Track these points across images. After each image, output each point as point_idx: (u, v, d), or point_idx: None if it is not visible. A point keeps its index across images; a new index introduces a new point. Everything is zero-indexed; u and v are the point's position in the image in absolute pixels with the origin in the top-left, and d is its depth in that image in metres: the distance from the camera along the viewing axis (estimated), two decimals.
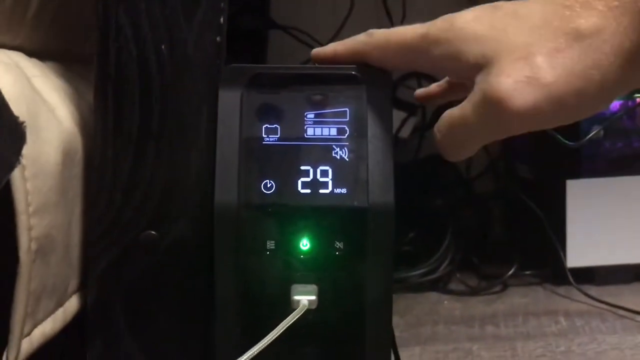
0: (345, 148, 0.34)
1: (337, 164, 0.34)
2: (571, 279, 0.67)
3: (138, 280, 0.37)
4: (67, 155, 0.35)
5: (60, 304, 0.36)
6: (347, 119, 0.34)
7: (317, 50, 0.36)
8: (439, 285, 0.71)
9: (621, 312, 0.61)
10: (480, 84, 0.30)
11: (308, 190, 0.33)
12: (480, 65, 0.30)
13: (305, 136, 0.34)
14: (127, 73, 0.35)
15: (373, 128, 0.34)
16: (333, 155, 0.34)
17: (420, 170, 0.83)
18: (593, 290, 0.67)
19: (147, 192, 0.36)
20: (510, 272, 0.70)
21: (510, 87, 0.28)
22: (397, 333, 0.59)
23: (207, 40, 0.35)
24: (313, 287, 0.33)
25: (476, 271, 0.74)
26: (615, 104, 0.70)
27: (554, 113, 0.29)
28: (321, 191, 0.33)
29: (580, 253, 0.69)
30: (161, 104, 0.36)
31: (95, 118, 0.36)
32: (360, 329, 0.34)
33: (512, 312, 0.63)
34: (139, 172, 0.36)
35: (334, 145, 0.34)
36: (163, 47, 0.35)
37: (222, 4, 0.35)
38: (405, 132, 0.84)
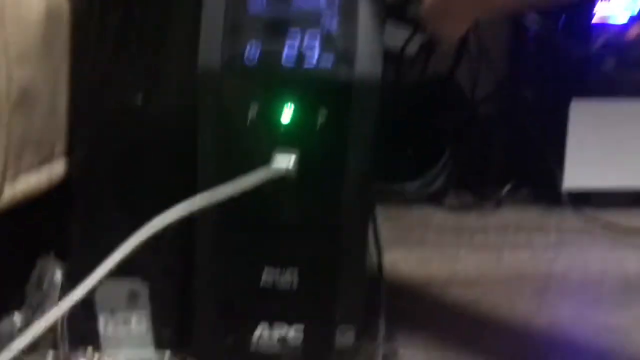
0: (335, 17, 0.33)
1: (324, 33, 0.33)
2: (566, 199, 0.66)
3: (123, 145, 0.37)
4: (51, 13, 0.35)
5: (46, 160, 0.36)
6: None
7: None
8: (434, 200, 0.71)
9: (613, 231, 0.61)
10: None
11: (293, 59, 0.33)
12: None
13: (294, 2, 0.33)
14: None
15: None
16: (321, 23, 0.33)
17: (425, 89, 0.82)
18: (588, 212, 0.66)
19: (134, 56, 0.36)
20: (506, 190, 0.70)
21: None
22: (384, 236, 0.60)
23: None
24: (293, 155, 0.33)
25: (471, 189, 0.74)
26: (629, 25, 0.68)
27: None
28: (307, 60, 0.33)
29: (577, 175, 0.68)
30: None
31: None
32: (338, 204, 0.34)
33: (503, 226, 0.63)
34: (125, 35, 0.36)
35: (323, 13, 0.33)
36: None
37: None
38: (411, 50, 0.83)
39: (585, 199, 0.69)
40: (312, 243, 0.35)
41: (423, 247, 0.57)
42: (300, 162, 0.33)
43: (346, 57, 0.33)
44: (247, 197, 0.32)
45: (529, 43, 0.65)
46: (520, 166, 0.75)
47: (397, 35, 0.84)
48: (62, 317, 0.37)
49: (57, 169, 0.37)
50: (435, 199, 0.71)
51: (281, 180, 0.33)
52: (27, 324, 0.38)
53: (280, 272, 0.34)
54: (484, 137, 0.81)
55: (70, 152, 0.38)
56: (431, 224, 0.64)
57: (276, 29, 0.33)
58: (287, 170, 0.33)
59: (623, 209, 0.68)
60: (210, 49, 0.33)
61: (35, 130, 0.34)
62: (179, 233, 0.37)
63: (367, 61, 0.33)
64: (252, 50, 0.33)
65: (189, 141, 0.35)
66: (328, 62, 0.33)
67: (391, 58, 0.85)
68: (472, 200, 0.71)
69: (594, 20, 0.66)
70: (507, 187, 0.70)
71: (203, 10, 0.34)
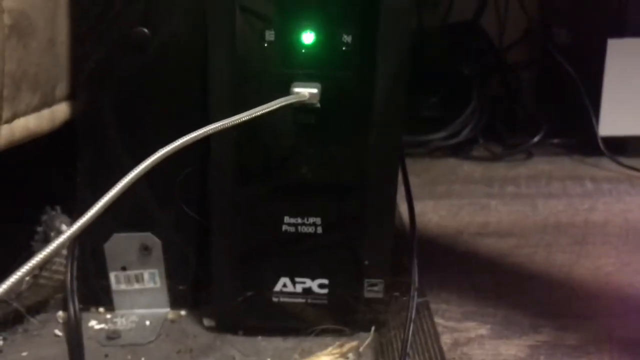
0: None
1: None
2: (602, 147, 0.62)
3: (128, 81, 0.34)
4: None
5: (46, 103, 0.33)
6: None
7: None
8: (460, 151, 0.67)
9: None
10: None
11: None
12: None
13: None
14: None
15: None
16: None
17: (449, 35, 0.78)
18: (623, 160, 0.62)
19: None
20: (536, 140, 0.66)
21: None
22: (412, 189, 0.57)
23: None
24: (317, 85, 0.30)
25: (500, 139, 0.70)
26: None
27: None
28: None
29: (613, 122, 0.64)
30: None
31: None
32: (365, 145, 0.31)
33: (535, 176, 0.60)
34: None
35: None
36: None
37: None
38: None
39: (622, 147, 0.65)
40: (337, 190, 0.31)
41: (451, 198, 0.54)
42: (324, 94, 0.30)
43: None
44: (267, 139, 0.29)
45: None
46: (552, 114, 0.71)
47: None
48: (72, 273, 0.35)
49: (60, 111, 0.34)
50: (462, 150, 0.68)
51: (304, 116, 0.29)
52: (34, 281, 0.35)
53: (302, 221, 0.31)
54: (512, 84, 0.77)
55: (73, 95, 0.35)
56: (459, 175, 0.61)
57: None
58: (311, 95, 0.29)
59: None
60: None
61: (34, 65, 0.31)
62: (192, 184, 0.34)
63: None
64: None
65: (199, 76, 0.32)
66: None
67: (415, 3, 0.80)
68: (502, 150, 0.68)
69: None
70: (538, 137, 0.66)
71: None
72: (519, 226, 0.47)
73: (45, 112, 0.33)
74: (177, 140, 0.24)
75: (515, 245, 0.44)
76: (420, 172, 0.62)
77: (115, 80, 0.34)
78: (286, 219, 0.32)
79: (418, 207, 0.51)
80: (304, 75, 0.30)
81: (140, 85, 0.34)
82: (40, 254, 0.18)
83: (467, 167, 0.64)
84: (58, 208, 0.37)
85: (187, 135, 0.24)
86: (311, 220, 0.32)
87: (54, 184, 0.38)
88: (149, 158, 0.22)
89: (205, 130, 0.24)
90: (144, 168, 0.22)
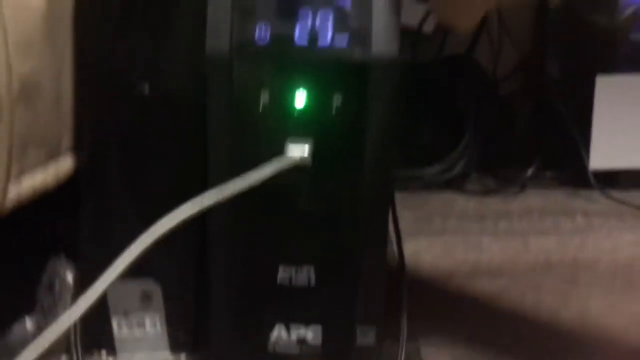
0: None
1: (338, 11, 0.31)
2: (592, 181, 0.64)
3: (131, 135, 0.35)
4: (53, 1, 0.33)
5: (52, 156, 0.34)
6: None
7: None
8: (454, 184, 0.69)
9: None
10: None
11: (305, 40, 0.31)
12: None
13: None
14: None
15: None
16: (334, 1, 0.31)
17: (443, 68, 0.79)
18: (615, 193, 0.64)
19: (138, 41, 0.34)
20: (529, 173, 0.68)
21: None
22: (403, 227, 0.58)
23: None
24: (308, 145, 0.31)
25: (494, 172, 0.71)
26: None
27: None
28: (320, 40, 0.31)
29: (604, 155, 0.65)
30: None
31: None
32: (356, 195, 0.32)
33: (527, 210, 0.61)
34: (129, 16, 0.34)
35: None
36: None
37: None
38: (428, 28, 0.80)
39: (613, 180, 0.66)
40: (329, 237, 0.33)
41: (445, 235, 0.55)
42: (315, 150, 0.31)
43: (361, 36, 0.31)
44: (260, 190, 0.30)
45: (553, 16, 0.62)
46: (544, 147, 0.72)
47: (414, 12, 0.81)
48: (75, 322, 0.36)
49: (64, 164, 0.36)
50: (456, 183, 0.69)
51: (296, 170, 0.31)
52: (39, 328, 0.37)
53: (296, 270, 0.33)
54: (506, 117, 0.79)
55: (77, 146, 0.37)
56: (453, 210, 0.62)
57: (287, 8, 0.31)
58: (302, 159, 0.31)
59: None
60: (218, 31, 0.31)
61: (40, 124, 0.32)
62: (192, 230, 0.35)
63: (383, 40, 0.31)
64: (262, 32, 0.31)
65: (199, 129, 0.34)
66: (342, 42, 0.31)
67: (408, 36, 0.82)
68: (495, 183, 0.69)
69: None
70: (531, 170, 0.68)
71: None
72: (511, 265, 0.48)
73: (51, 166, 0.34)
74: (176, 211, 0.25)
75: (506, 286, 0.45)
76: (415, 207, 0.63)
77: (118, 132, 0.35)
78: (281, 267, 0.33)
79: (412, 246, 0.53)
80: (297, 134, 0.31)
81: (142, 138, 0.35)
82: (46, 336, 0.20)
83: (461, 202, 0.65)
84: (62, 255, 0.38)
85: (183, 209, 0.25)
86: (305, 268, 0.33)
87: (58, 230, 0.39)
88: (146, 233, 0.24)
89: (202, 200, 0.26)
90: (144, 243, 0.23)
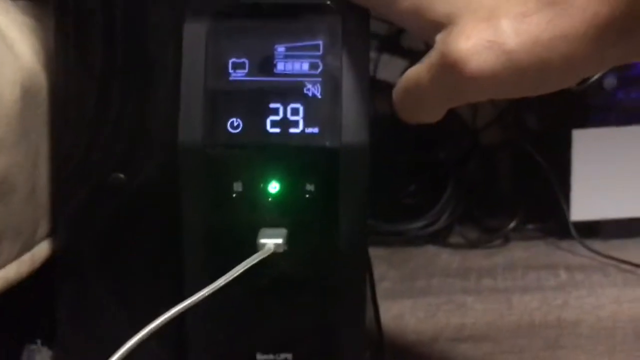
0: (318, 84, 0.32)
1: (308, 102, 0.32)
2: (574, 233, 0.64)
3: (108, 224, 0.36)
4: (27, 93, 0.33)
5: (27, 248, 0.35)
6: (320, 53, 0.32)
7: None
8: (438, 239, 0.69)
9: (624, 266, 0.59)
10: (439, 43, 0.28)
11: (277, 130, 0.32)
12: (443, 24, 0.28)
13: (275, 71, 0.32)
14: (88, 5, 0.33)
15: (348, 63, 0.32)
16: (305, 92, 0.32)
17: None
18: (597, 244, 0.64)
19: (114, 132, 0.35)
20: (512, 225, 0.68)
21: (469, 49, 0.26)
22: (390, 286, 0.59)
23: None
24: (282, 231, 0.31)
25: (478, 224, 0.72)
26: None
27: (513, 82, 0.26)
28: (291, 130, 0.31)
29: (585, 206, 0.66)
30: (125, 38, 0.34)
31: (56, 53, 0.34)
32: (333, 276, 0.33)
33: (511, 266, 0.61)
34: (105, 109, 0.34)
35: (306, 81, 0.32)
36: None
37: None
38: None
39: (595, 231, 0.67)
40: (306, 323, 0.33)
41: (429, 296, 0.55)
42: (289, 236, 0.32)
43: (332, 125, 0.32)
44: (234, 279, 0.30)
45: None
46: (526, 198, 0.73)
47: (394, 68, 0.83)
48: None
49: (40, 252, 0.36)
50: (440, 237, 0.69)
51: (271, 257, 0.31)
52: None
53: (274, 357, 0.33)
54: (487, 169, 0.80)
55: (53, 232, 0.37)
56: (437, 267, 0.62)
57: (258, 98, 0.32)
58: (277, 245, 0.31)
59: (634, 239, 0.67)
60: (190, 123, 0.32)
61: (14, 218, 0.33)
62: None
63: (353, 128, 0.32)
64: (234, 123, 0.32)
65: (175, 216, 0.34)
66: (313, 131, 0.32)
67: (387, 91, 0.84)
68: (479, 236, 0.69)
69: None
70: (514, 222, 0.68)
71: (182, 82, 0.32)
72: (494, 328, 0.48)
73: (26, 257, 0.34)
74: (154, 322, 0.25)
75: (489, 351, 0.45)
76: (400, 263, 0.63)
77: (94, 221, 0.35)
78: (257, 356, 0.33)
79: (396, 308, 0.53)
80: (271, 221, 0.32)
81: (119, 227, 0.35)
82: None
83: (445, 257, 0.65)
84: (38, 341, 0.38)
85: (163, 315, 0.26)
86: (283, 356, 0.33)
87: (34, 316, 0.39)
88: (122, 348, 0.24)
89: (181, 306, 0.26)
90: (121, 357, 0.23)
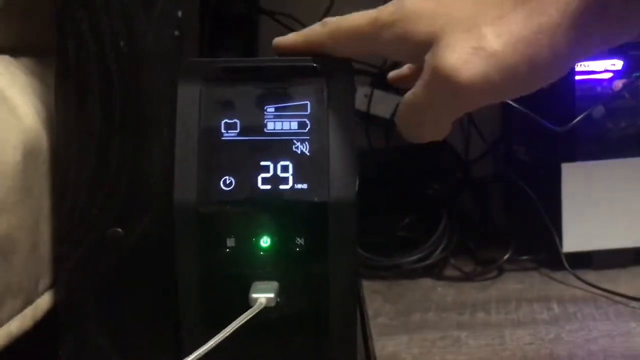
0: (306, 142, 0.33)
1: (297, 159, 0.33)
2: (566, 264, 0.65)
3: (107, 277, 0.37)
4: (29, 154, 0.35)
5: (29, 302, 0.36)
6: (308, 112, 0.34)
7: (277, 41, 0.35)
8: (434, 271, 0.70)
9: (616, 297, 0.60)
10: (428, 61, 0.29)
11: (268, 186, 0.33)
12: (429, 44, 0.29)
13: (265, 130, 0.34)
14: (87, 69, 0.35)
15: (334, 121, 0.34)
16: (294, 149, 0.33)
17: (418, 154, 0.82)
18: (590, 274, 0.65)
19: (112, 189, 0.36)
20: (506, 257, 0.69)
21: (457, 60, 0.28)
22: (387, 321, 0.59)
23: (166, 34, 0.35)
24: (273, 284, 0.33)
25: (472, 256, 0.73)
26: (615, 82, 0.69)
27: (507, 83, 0.28)
28: (281, 187, 0.33)
29: (576, 237, 0.67)
30: (122, 100, 0.35)
31: (57, 114, 0.36)
32: (324, 326, 0.34)
33: (505, 299, 0.62)
34: (103, 168, 0.36)
35: (295, 139, 0.33)
36: (122, 42, 0.35)
37: None
38: None
39: (587, 261, 0.68)
40: None
41: (425, 331, 0.56)
42: (281, 289, 0.33)
43: (320, 181, 0.33)
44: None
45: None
46: (520, 230, 0.74)
47: (385, 105, 0.84)
48: None
49: (42, 304, 0.37)
50: (435, 270, 0.70)
51: (262, 313, 0.32)
52: None
53: None
54: (480, 201, 0.81)
55: (55, 285, 0.38)
56: (432, 301, 0.63)
57: (249, 157, 0.33)
58: (269, 299, 0.32)
59: (626, 269, 0.68)
60: (184, 182, 0.33)
61: (16, 275, 0.34)
62: None
63: (341, 183, 0.33)
64: (226, 181, 0.33)
65: (172, 266, 0.35)
66: (303, 187, 0.33)
67: (381, 126, 0.85)
68: (473, 268, 0.70)
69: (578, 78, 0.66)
70: (508, 254, 0.69)
71: (176, 143, 0.34)
72: None
73: (28, 311, 0.36)
74: None
75: None
76: (395, 298, 0.64)
77: (94, 275, 0.37)
78: None
79: (392, 345, 0.54)
80: (263, 274, 0.33)
81: (118, 280, 0.37)
82: None
83: (440, 290, 0.66)
84: None
85: None
86: None
87: None
88: None
89: None
90: None
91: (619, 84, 0.70)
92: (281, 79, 0.34)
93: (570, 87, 0.66)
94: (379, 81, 0.84)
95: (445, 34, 0.28)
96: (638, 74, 0.69)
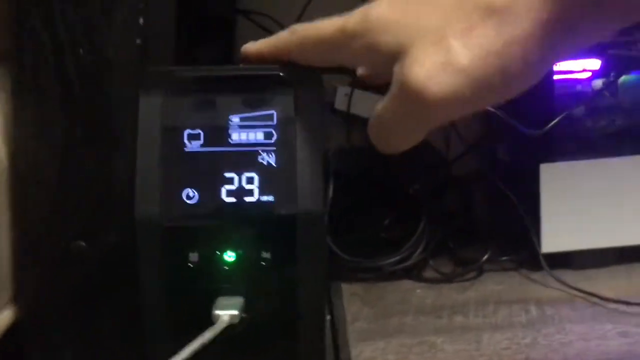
0: (272, 153, 0.33)
1: (263, 171, 0.33)
2: (544, 265, 0.65)
3: (71, 291, 0.36)
4: None
5: None
6: (274, 123, 0.33)
7: (244, 48, 0.34)
8: (413, 273, 0.70)
9: (593, 299, 0.60)
10: (396, 75, 0.28)
11: (233, 199, 0.32)
12: (397, 55, 0.28)
13: (230, 141, 0.33)
14: (46, 79, 0.34)
15: (302, 131, 0.33)
16: (259, 161, 0.33)
17: (399, 153, 0.82)
18: (569, 275, 0.65)
19: (76, 201, 0.35)
20: (486, 258, 0.69)
21: (425, 76, 0.27)
22: (365, 325, 0.59)
23: (127, 43, 0.34)
24: (238, 300, 0.32)
25: (453, 256, 0.73)
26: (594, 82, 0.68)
27: (479, 96, 0.27)
28: (247, 199, 0.32)
29: (555, 238, 0.67)
30: (83, 110, 0.34)
31: (16, 126, 0.35)
32: (292, 341, 0.33)
33: (483, 301, 0.62)
34: (66, 180, 0.35)
35: (260, 150, 0.33)
36: (81, 50, 0.34)
37: (141, 5, 0.34)
38: None
39: (566, 262, 0.68)
40: None
41: (402, 336, 0.56)
42: (247, 305, 0.32)
43: (287, 193, 0.32)
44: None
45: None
46: (500, 230, 0.74)
47: (364, 104, 0.84)
48: None
49: (3, 319, 0.36)
50: (415, 271, 0.70)
51: (228, 328, 0.32)
52: None
53: None
54: (461, 200, 0.81)
55: (17, 300, 0.37)
56: (412, 303, 0.63)
57: (213, 168, 0.33)
58: (232, 316, 0.32)
59: (605, 269, 0.68)
60: (146, 195, 0.32)
61: None
62: None
63: (309, 196, 0.32)
64: (189, 194, 0.32)
65: (136, 282, 0.34)
66: (269, 200, 0.32)
67: (362, 125, 0.84)
68: (453, 269, 0.70)
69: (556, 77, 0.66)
70: (488, 254, 0.69)
71: (138, 155, 0.33)
72: None
73: None
74: None
75: None
76: (374, 301, 0.64)
77: (58, 289, 0.36)
78: None
79: (368, 350, 0.53)
80: (228, 290, 0.32)
81: (83, 294, 0.36)
82: None
83: (419, 292, 0.66)
84: None
85: None
86: None
87: None
88: None
89: None
90: None
91: (598, 83, 0.70)
92: (246, 88, 0.33)
93: (549, 87, 0.66)
94: (359, 80, 0.84)
95: (413, 46, 0.28)
96: (616, 73, 0.68)
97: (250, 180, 0.32)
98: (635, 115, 0.71)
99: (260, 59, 0.33)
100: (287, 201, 0.32)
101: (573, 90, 0.68)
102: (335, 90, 0.83)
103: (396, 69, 0.28)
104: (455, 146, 0.83)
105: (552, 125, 0.60)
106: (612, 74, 0.68)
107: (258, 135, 0.33)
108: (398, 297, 0.65)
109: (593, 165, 0.67)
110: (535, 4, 0.26)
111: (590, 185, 0.67)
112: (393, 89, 0.29)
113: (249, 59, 0.34)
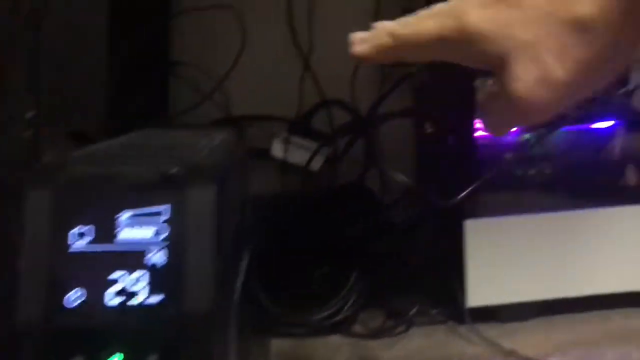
0: (162, 252, 0.32)
1: (151, 270, 0.32)
2: (468, 320, 0.66)
3: None
4: None
5: None
6: (165, 219, 0.33)
7: (352, 44, 0.34)
8: (343, 327, 0.70)
9: (514, 358, 0.61)
10: (503, 86, 0.31)
11: (118, 301, 0.32)
12: (498, 66, 0.31)
13: (117, 240, 0.32)
14: None
15: (194, 229, 0.33)
16: (147, 260, 0.32)
17: (332, 202, 0.82)
18: (494, 328, 0.66)
19: None
20: (414, 311, 0.70)
21: (525, 91, 0.30)
22: None
23: (11, 138, 0.33)
24: None
25: (382, 307, 0.73)
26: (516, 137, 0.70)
27: (572, 101, 0.31)
28: (133, 301, 0.32)
29: (481, 292, 0.68)
30: None
31: None
32: None
33: (409, 357, 0.62)
34: None
35: (150, 248, 0.32)
36: None
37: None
38: (316, 165, 0.83)
39: (492, 315, 0.69)
40: None
41: None
42: None
43: (176, 293, 0.32)
44: None
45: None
46: (430, 282, 0.75)
47: (300, 154, 0.84)
48: None
49: None
50: (344, 326, 0.70)
51: None
52: None
53: None
54: (394, 248, 0.81)
55: None
56: None
57: (99, 269, 0.32)
58: None
59: (527, 322, 0.69)
60: (28, 297, 0.31)
61: None
62: None
63: (198, 295, 0.32)
64: (74, 295, 0.31)
65: None
66: (156, 301, 0.32)
67: (297, 174, 0.85)
68: (383, 323, 0.70)
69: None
70: (416, 308, 0.70)
71: (22, 253, 0.32)
72: None
73: None
74: None
75: None
76: (300, 359, 0.64)
77: None
78: None
79: None
80: None
81: None
82: None
83: (346, 350, 0.66)
84: None
85: None
86: None
87: None
88: None
89: None
90: None
91: (524, 136, 0.72)
92: (137, 185, 0.33)
93: (472, 145, 0.67)
94: (296, 127, 0.84)
95: (511, 60, 0.30)
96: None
97: (137, 281, 0.32)
98: (561, 166, 0.73)
99: (368, 60, 0.34)
100: (175, 301, 0.32)
101: (498, 144, 0.70)
102: (272, 137, 0.83)
103: (501, 79, 0.31)
104: (391, 191, 0.84)
105: (462, 197, 0.61)
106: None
107: (147, 233, 0.32)
108: (324, 356, 0.65)
109: (518, 220, 0.68)
110: (615, 16, 0.28)
111: (514, 240, 0.68)
112: (500, 90, 0.31)
113: (357, 59, 0.34)
